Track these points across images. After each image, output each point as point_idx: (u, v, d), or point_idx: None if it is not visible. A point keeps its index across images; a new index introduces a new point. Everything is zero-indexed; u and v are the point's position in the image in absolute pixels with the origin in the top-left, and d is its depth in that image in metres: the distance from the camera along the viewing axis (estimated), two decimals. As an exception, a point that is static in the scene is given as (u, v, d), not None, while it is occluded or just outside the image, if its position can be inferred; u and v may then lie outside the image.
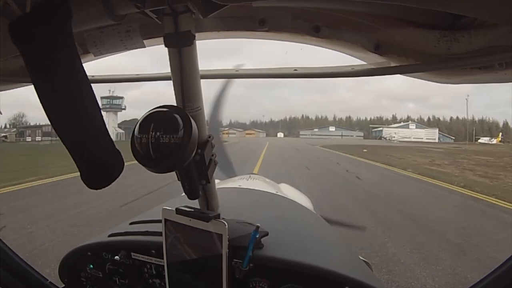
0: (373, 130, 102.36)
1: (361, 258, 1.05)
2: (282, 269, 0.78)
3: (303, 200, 1.85)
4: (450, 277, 3.29)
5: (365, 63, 0.80)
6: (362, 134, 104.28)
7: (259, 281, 0.78)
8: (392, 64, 0.76)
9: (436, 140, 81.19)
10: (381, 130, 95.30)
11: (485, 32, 0.60)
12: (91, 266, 0.95)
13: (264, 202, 1.46)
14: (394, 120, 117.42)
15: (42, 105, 0.46)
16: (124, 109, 53.48)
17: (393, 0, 0.46)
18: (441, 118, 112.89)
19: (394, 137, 79.16)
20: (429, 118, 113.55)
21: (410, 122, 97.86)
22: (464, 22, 0.63)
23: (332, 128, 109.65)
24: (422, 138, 79.86)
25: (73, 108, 0.47)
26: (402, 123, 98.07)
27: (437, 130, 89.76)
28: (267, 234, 0.83)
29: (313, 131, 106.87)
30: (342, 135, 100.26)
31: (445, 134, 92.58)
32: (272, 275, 0.78)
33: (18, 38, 0.43)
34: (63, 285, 0.98)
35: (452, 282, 3.19)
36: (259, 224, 0.78)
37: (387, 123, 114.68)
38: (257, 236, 0.77)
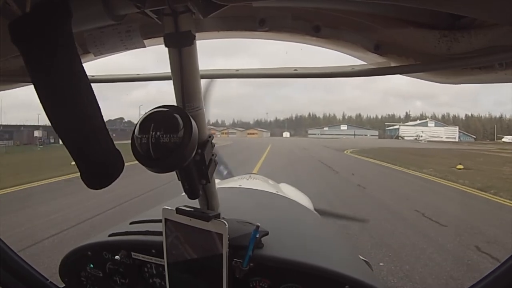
0: (387, 128, 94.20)
1: (361, 257, 1.06)
2: (282, 269, 0.78)
3: (303, 200, 1.85)
4: None
5: (365, 63, 0.80)
6: (377, 133, 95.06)
7: (259, 281, 0.78)
8: (392, 64, 0.76)
9: (457, 139, 75.09)
10: (397, 129, 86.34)
11: (485, 32, 0.60)
12: (92, 265, 0.95)
13: (264, 201, 1.46)
14: (408, 118, 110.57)
15: (42, 105, 0.46)
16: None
17: (393, 0, 0.46)
18: (456, 116, 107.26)
19: (421, 136, 68.36)
20: (443, 115, 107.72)
21: (428, 119, 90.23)
22: (464, 22, 0.63)
23: (343, 127, 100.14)
24: (442, 137, 72.51)
25: (73, 108, 0.47)
26: (418, 121, 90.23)
27: (457, 128, 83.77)
28: (267, 234, 0.83)
29: (323, 130, 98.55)
30: (355, 134, 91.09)
31: (466, 133, 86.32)
32: (272, 275, 0.78)
33: (18, 38, 0.43)
34: (64, 285, 0.98)
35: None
36: (259, 224, 0.78)
37: (400, 121, 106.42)
38: (257, 235, 0.77)
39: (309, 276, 0.76)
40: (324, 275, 0.75)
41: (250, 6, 0.58)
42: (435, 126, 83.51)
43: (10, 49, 0.45)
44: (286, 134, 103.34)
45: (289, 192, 1.87)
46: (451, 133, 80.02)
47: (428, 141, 60.55)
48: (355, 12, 0.67)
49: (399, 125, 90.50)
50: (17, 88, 0.91)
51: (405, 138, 74.18)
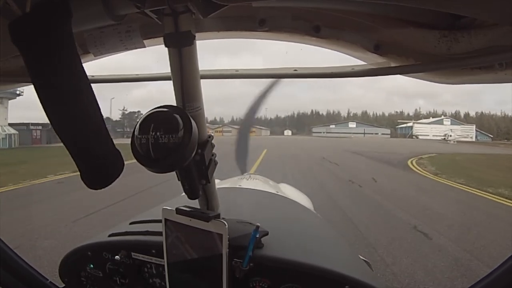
0: (398, 126, 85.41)
1: (361, 257, 1.06)
2: (282, 269, 0.78)
3: (303, 200, 1.85)
4: None
5: (365, 63, 0.80)
6: (388, 131, 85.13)
7: (259, 281, 0.78)
8: (392, 64, 0.76)
9: (473, 139, 67.36)
10: (410, 127, 75.39)
11: (485, 32, 0.60)
12: (92, 265, 0.95)
13: (264, 202, 1.46)
14: (417, 115, 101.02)
15: (42, 105, 0.46)
16: (20, 94, 26.75)
17: (393, 0, 0.46)
18: (467, 113, 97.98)
19: (450, 136, 57.25)
20: (453, 113, 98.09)
21: (444, 117, 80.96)
22: (464, 22, 0.63)
23: (352, 124, 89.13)
24: (460, 137, 63.87)
25: (73, 108, 0.47)
26: (432, 119, 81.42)
27: (474, 126, 75.40)
28: (267, 234, 0.83)
29: (329, 127, 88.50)
30: (364, 133, 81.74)
31: (482, 132, 78.23)
32: (272, 275, 0.78)
33: (18, 38, 0.43)
34: (63, 285, 0.98)
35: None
36: (259, 224, 0.78)
37: (409, 118, 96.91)
38: (257, 235, 0.77)
39: (309, 276, 0.76)
40: (324, 275, 0.75)
41: (250, 6, 0.58)
42: (451, 124, 74.60)
43: (10, 49, 0.45)
44: (288, 133, 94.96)
45: (289, 192, 1.87)
46: (468, 132, 72.15)
47: (458, 141, 50.79)
48: (355, 12, 0.67)
49: (413, 123, 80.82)
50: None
51: (419, 137, 67.48)
